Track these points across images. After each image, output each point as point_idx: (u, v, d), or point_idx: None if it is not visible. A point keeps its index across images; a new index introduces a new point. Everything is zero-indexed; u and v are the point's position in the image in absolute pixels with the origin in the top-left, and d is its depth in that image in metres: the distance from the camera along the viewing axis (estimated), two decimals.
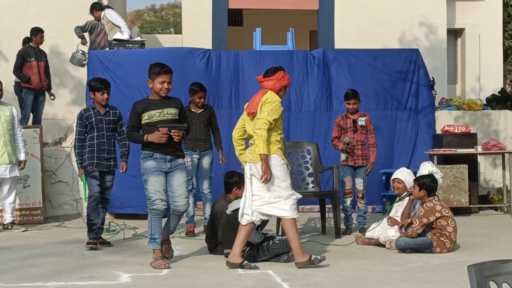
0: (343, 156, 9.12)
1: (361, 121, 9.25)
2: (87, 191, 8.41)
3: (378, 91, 11.91)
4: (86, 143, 8.23)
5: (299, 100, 11.79)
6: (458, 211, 10.76)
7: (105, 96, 8.25)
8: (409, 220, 7.92)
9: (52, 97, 12.71)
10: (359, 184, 9.21)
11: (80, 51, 12.41)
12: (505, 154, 11.31)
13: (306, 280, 6.33)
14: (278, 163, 6.92)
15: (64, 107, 14.33)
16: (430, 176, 8.13)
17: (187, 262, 7.32)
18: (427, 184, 7.96)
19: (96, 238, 8.22)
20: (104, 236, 9.05)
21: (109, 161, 8.31)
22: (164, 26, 32.12)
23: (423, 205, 7.88)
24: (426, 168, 8.57)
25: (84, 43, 12.78)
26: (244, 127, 7.21)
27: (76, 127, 8.33)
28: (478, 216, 11.09)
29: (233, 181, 7.93)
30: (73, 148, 8.80)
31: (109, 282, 6.32)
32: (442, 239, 7.78)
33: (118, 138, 8.47)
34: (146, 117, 7.00)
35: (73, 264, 7.22)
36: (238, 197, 7.68)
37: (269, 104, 6.91)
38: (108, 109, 8.34)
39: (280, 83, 7.14)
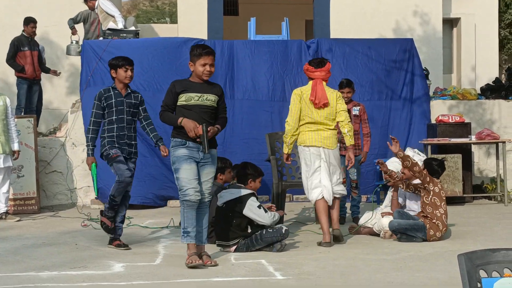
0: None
1: (355, 111, 9.25)
2: (97, 183, 8.09)
3: (372, 80, 11.93)
4: (104, 127, 7.56)
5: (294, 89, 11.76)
6: (452, 200, 10.81)
7: (129, 73, 7.53)
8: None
9: (59, 72, 12.66)
10: (353, 173, 9.22)
11: (74, 41, 12.39)
12: (499, 143, 11.33)
13: (298, 269, 6.35)
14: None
15: (58, 96, 14.32)
16: (439, 162, 8.17)
17: (180, 251, 7.30)
18: (432, 165, 8.04)
19: (116, 239, 7.61)
20: (98, 226, 9.06)
21: (131, 147, 7.68)
22: (160, 15, 32.06)
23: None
24: (409, 153, 8.60)
25: (74, 33, 12.72)
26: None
27: (93, 109, 7.58)
28: (472, 205, 11.12)
29: (249, 173, 7.65)
30: (86, 132, 8.25)
31: (102, 271, 6.34)
32: (434, 220, 7.82)
33: (145, 123, 7.77)
34: (183, 99, 6.54)
35: (67, 254, 7.23)
36: (253, 189, 7.57)
37: (341, 99, 7.88)
38: (129, 91, 7.67)
39: (328, 74, 7.95)
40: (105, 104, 7.55)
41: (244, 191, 7.37)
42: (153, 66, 11.55)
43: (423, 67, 12.50)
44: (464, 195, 11.10)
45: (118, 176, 7.48)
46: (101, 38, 12.01)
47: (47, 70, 12.60)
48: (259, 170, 7.73)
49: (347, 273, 6.21)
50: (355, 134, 9.22)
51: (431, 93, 12.75)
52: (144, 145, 11.20)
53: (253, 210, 7.19)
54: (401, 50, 12.11)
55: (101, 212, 7.66)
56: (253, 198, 7.31)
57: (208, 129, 6.43)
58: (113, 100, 7.56)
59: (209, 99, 6.57)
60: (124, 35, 11.83)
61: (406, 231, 7.82)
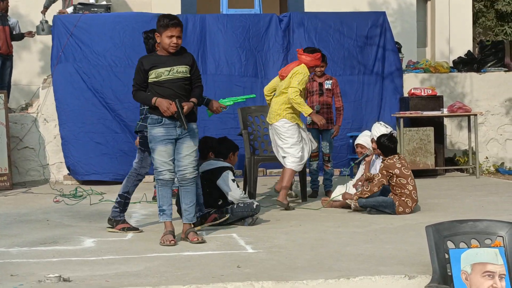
0: (308, 119, 9.13)
1: (327, 84, 9.26)
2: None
3: (344, 56, 11.96)
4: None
5: (266, 65, 11.77)
6: (424, 173, 10.88)
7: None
8: (369, 174, 8.00)
9: (34, 32, 12.41)
10: (325, 147, 9.24)
11: (44, 21, 12.17)
12: (471, 116, 11.40)
13: (269, 243, 6.37)
14: (286, 126, 8.24)
15: (28, 72, 14.16)
16: (388, 136, 8.14)
17: (152, 226, 7.33)
18: (383, 143, 8.02)
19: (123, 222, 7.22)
20: (70, 201, 9.06)
21: None
22: None
23: (384, 162, 7.94)
24: (377, 129, 8.58)
25: (44, 12, 12.52)
26: (274, 87, 8.60)
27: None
28: (444, 178, 11.20)
29: (229, 147, 7.68)
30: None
31: (73, 247, 6.32)
32: (403, 198, 7.85)
33: None
34: (153, 76, 6.34)
35: (38, 230, 7.20)
36: (232, 163, 7.57)
37: (299, 75, 8.23)
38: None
39: (314, 62, 8.46)
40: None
41: (223, 164, 7.38)
42: (124, 41, 11.45)
43: (396, 41, 12.51)
44: (436, 168, 11.17)
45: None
46: (70, 10, 11.81)
47: (21, 36, 12.41)
48: (235, 143, 7.75)
49: (318, 246, 6.24)
50: (327, 107, 9.24)
51: (403, 67, 12.78)
52: (115, 121, 11.15)
53: (226, 181, 7.19)
54: (373, 25, 12.12)
55: (113, 222, 7.15)
56: (229, 171, 7.31)
57: (183, 104, 6.30)
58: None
59: (180, 71, 6.38)
60: (95, 9, 11.71)
61: (375, 207, 7.86)
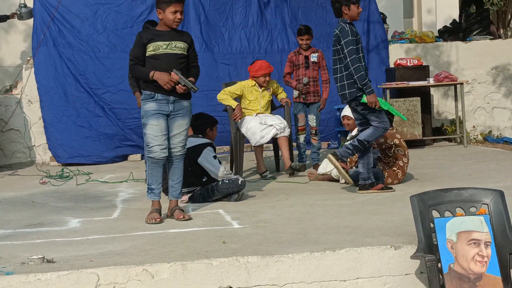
0: (295, 93, 9.09)
1: (313, 57, 9.20)
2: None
3: (327, 32, 11.90)
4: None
5: (251, 42, 11.70)
6: (412, 143, 10.86)
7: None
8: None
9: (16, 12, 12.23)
10: (312, 120, 9.21)
11: (22, 5, 11.98)
12: (457, 85, 11.38)
13: (255, 218, 6.34)
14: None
15: (12, 54, 14.02)
16: (385, 110, 8.13)
17: (138, 204, 7.30)
18: None
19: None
20: (57, 182, 9.01)
21: None
22: None
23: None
24: None
25: None
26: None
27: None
28: (432, 148, 11.20)
29: (204, 122, 7.62)
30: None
31: (58, 228, 6.27)
32: (395, 169, 7.84)
33: None
34: (151, 48, 6.27)
35: (23, 212, 7.14)
36: (211, 138, 7.54)
37: (236, 84, 9.00)
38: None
39: (255, 73, 8.89)
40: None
41: (202, 140, 7.32)
42: (107, 26, 11.34)
43: (381, 12, 12.44)
44: (424, 138, 11.16)
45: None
46: None
47: (5, 18, 12.24)
48: (213, 118, 7.69)
49: (304, 219, 6.21)
50: (314, 81, 9.19)
51: (389, 37, 12.72)
52: (98, 105, 11.07)
53: (207, 159, 7.15)
54: None
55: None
56: (210, 148, 7.26)
57: (189, 79, 6.30)
58: (359, 36, 7.38)
59: (178, 46, 6.32)
60: None
61: None
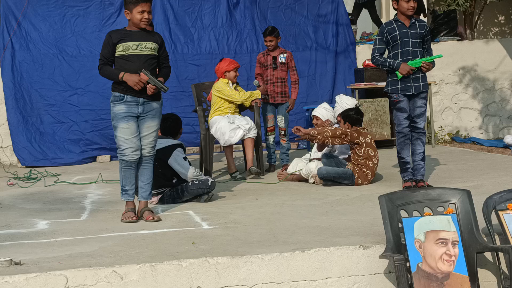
0: (262, 95, 9.10)
1: (282, 58, 9.22)
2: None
3: (296, 33, 11.95)
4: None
5: (220, 43, 11.70)
6: (380, 144, 10.89)
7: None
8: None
9: None
10: (281, 121, 9.24)
11: None
12: None
13: (225, 219, 6.34)
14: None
15: None
16: (355, 109, 8.21)
17: (107, 206, 7.26)
18: (351, 116, 8.05)
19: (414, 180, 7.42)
20: (25, 184, 8.93)
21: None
22: None
23: (356, 129, 7.95)
24: (344, 100, 8.67)
25: None
26: None
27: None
28: None
29: (176, 124, 7.61)
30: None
31: (25, 230, 6.22)
32: (365, 169, 7.89)
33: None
34: (121, 49, 6.23)
35: None
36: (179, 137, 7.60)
37: (224, 91, 8.85)
38: (413, 21, 7.35)
39: (223, 70, 8.88)
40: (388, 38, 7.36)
41: (172, 142, 7.31)
42: (75, 30, 11.26)
43: (349, 13, 12.52)
44: (393, 138, 11.20)
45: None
46: None
47: None
48: (179, 117, 7.69)
49: (274, 219, 6.23)
50: (282, 81, 9.21)
51: (357, 38, 12.80)
52: (63, 110, 10.97)
53: (177, 160, 7.13)
54: (325, 0, 12.11)
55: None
56: (180, 149, 7.24)
57: (159, 79, 6.28)
58: (397, 32, 7.31)
59: (148, 47, 6.29)
60: None
61: (335, 179, 7.88)
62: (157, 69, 6.45)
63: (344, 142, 7.88)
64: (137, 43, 6.26)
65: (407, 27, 7.30)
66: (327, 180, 7.89)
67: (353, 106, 8.52)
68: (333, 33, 12.11)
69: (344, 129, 7.91)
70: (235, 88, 8.89)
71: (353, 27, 12.59)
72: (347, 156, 8.26)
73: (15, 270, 4.71)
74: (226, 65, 8.85)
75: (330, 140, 7.83)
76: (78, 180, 9.17)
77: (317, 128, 7.99)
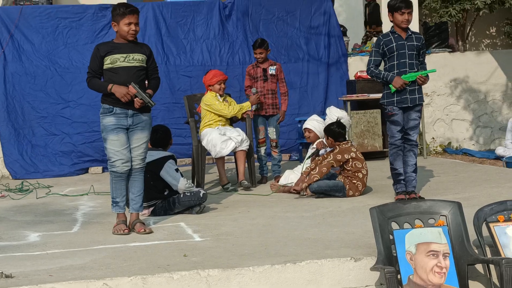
0: (253, 106, 9.11)
1: (272, 70, 9.24)
2: None
3: (287, 45, 11.96)
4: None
5: (213, 54, 11.71)
6: (372, 155, 10.94)
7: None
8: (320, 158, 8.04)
9: None
10: (272, 133, 9.25)
11: None
12: None
13: (217, 230, 6.34)
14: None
15: None
16: (336, 123, 8.21)
17: (99, 218, 7.25)
18: (333, 130, 8.07)
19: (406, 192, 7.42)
20: (16, 196, 8.91)
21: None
22: None
23: (339, 146, 7.96)
24: (334, 112, 8.70)
25: None
26: None
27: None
28: None
29: (166, 136, 7.63)
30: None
31: (17, 242, 6.21)
32: (355, 181, 7.90)
33: None
34: (108, 61, 6.24)
35: None
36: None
37: (213, 106, 8.86)
38: (410, 33, 7.38)
39: (210, 82, 8.86)
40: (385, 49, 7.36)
41: (164, 153, 7.32)
42: (68, 42, 11.27)
43: (340, 25, 12.56)
44: (384, 150, 11.22)
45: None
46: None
47: None
48: (168, 129, 7.71)
49: (265, 231, 6.23)
50: (272, 93, 9.24)
51: (349, 50, 12.83)
52: (56, 122, 10.97)
53: (170, 172, 7.13)
54: (317, 11, 12.15)
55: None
56: (171, 161, 7.25)
57: (147, 91, 6.30)
58: (394, 44, 7.30)
59: (136, 58, 6.30)
60: (36, 0, 11.49)
61: (325, 192, 7.89)
62: (146, 81, 6.46)
63: (335, 166, 7.95)
64: (124, 55, 6.28)
65: (403, 39, 7.32)
66: (319, 193, 7.90)
67: (343, 118, 8.54)
68: (325, 45, 12.14)
69: (327, 160, 7.90)
70: (224, 100, 8.89)
71: (345, 38, 12.63)
72: (338, 168, 8.26)
73: (5, 283, 4.70)
74: (209, 79, 8.84)
75: (325, 172, 7.88)
76: (70, 192, 9.16)
77: (305, 180, 7.97)
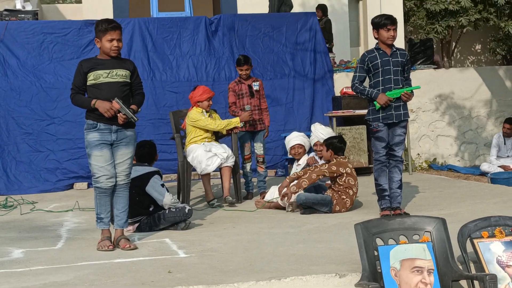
0: (241, 124, 9.10)
1: (256, 86, 9.27)
2: None
3: (274, 61, 12.00)
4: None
5: (199, 70, 11.73)
6: (358, 171, 10.81)
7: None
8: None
9: None
10: (259, 148, 9.25)
11: None
12: None
13: (202, 247, 6.33)
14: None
15: None
16: (338, 137, 8.25)
17: (83, 234, 7.22)
18: (334, 144, 8.08)
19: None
20: (0, 212, 8.86)
21: None
22: None
23: (336, 159, 7.96)
24: (318, 129, 8.73)
25: None
26: None
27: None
28: None
29: (152, 151, 7.64)
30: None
31: (0, 258, 6.16)
32: (344, 197, 7.90)
33: None
34: (92, 78, 6.22)
35: None
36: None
37: (198, 122, 8.84)
38: (394, 49, 7.40)
39: (199, 98, 8.83)
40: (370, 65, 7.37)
41: (149, 169, 7.30)
42: (53, 56, 11.26)
43: (326, 41, 12.61)
44: (370, 166, 11.25)
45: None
46: None
47: None
48: (153, 143, 7.72)
49: (250, 247, 6.22)
50: (258, 109, 9.25)
51: (335, 66, 12.88)
52: (40, 139, 10.94)
53: (155, 187, 7.12)
54: (303, 27, 12.20)
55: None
56: (157, 176, 7.24)
57: (131, 107, 6.29)
58: (378, 60, 7.31)
59: (119, 74, 6.29)
60: (23, 15, 11.49)
61: (313, 205, 7.88)
62: (130, 98, 6.45)
63: (327, 176, 7.93)
64: (108, 71, 6.27)
65: (388, 56, 7.35)
66: (306, 206, 7.89)
67: (328, 135, 8.55)
68: (311, 61, 12.18)
69: (321, 169, 7.91)
70: (209, 116, 8.89)
71: (330, 55, 12.68)
72: (329, 181, 8.26)
73: None
74: (199, 95, 8.82)
75: (314, 180, 7.88)
76: (54, 208, 9.12)
77: (295, 183, 7.96)
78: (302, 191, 7.91)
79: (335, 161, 7.97)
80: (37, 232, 7.41)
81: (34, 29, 11.31)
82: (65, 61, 11.27)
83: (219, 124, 8.79)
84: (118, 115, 6.24)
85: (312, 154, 8.74)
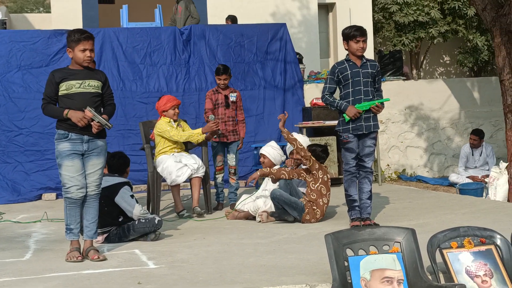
0: (208, 133, 9.07)
1: (232, 97, 9.26)
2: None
3: (244, 71, 12.01)
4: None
5: (169, 80, 11.69)
6: None
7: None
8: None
9: None
10: (231, 159, 9.23)
11: None
12: None
13: (171, 258, 6.29)
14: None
15: None
16: (322, 146, 8.26)
17: (52, 245, 7.14)
18: (316, 152, 8.09)
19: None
20: None
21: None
22: (33, 5, 31.24)
23: (317, 163, 7.96)
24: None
25: None
26: None
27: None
28: None
29: (125, 162, 7.60)
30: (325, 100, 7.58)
31: None
32: (315, 207, 7.89)
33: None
34: (64, 88, 6.20)
35: None
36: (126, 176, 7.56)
37: (165, 133, 8.76)
38: (364, 60, 7.41)
39: (164, 107, 8.79)
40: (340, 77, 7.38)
41: (119, 179, 7.25)
42: (22, 65, 11.16)
43: (297, 52, 12.66)
44: (340, 177, 11.29)
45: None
46: None
47: None
48: (127, 156, 7.67)
49: (220, 258, 6.20)
50: (232, 120, 9.23)
51: (305, 77, 12.93)
52: (7, 150, 10.83)
53: (125, 198, 7.07)
54: (273, 37, 12.23)
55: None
56: (127, 187, 7.19)
57: (103, 116, 6.26)
58: (348, 72, 7.32)
59: (92, 85, 6.28)
60: None
61: (285, 205, 7.83)
62: (101, 108, 6.42)
63: (300, 177, 7.92)
64: (80, 81, 6.26)
65: (358, 67, 7.38)
66: (279, 203, 7.83)
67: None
68: (281, 71, 12.22)
69: (301, 168, 7.94)
70: (178, 125, 8.85)
71: (300, 66, 12.73)
72: (304, 189, 8.26)
73: None
74: (163, 104, 8.79)
75: (286, 175, 7.88)
76: (22, 218, 9.02)
77: (275, 168, 7.98)
78: (276, 185, 7.92)
79: (317, 164, 7.95)
80: (4, 243, 7.32)
81: (2, 38, 11.22)
82: (34, 69, 11.18)
83: (182, 135, 8.75)
84: (92, 123, 6.22)
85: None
